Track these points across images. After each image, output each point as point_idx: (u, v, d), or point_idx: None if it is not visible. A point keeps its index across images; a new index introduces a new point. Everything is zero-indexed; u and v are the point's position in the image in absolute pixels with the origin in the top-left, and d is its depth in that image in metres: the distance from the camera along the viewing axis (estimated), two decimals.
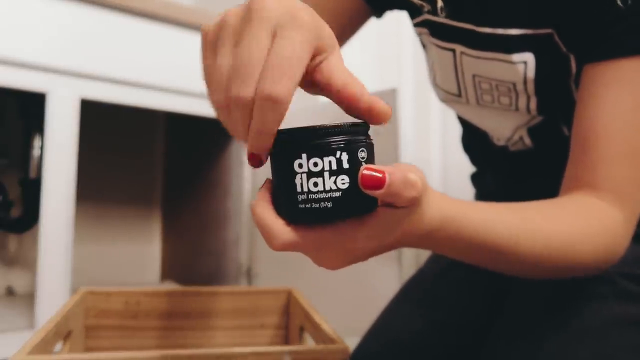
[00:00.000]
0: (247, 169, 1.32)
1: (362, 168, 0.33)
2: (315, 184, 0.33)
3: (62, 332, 0.57)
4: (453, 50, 0.65)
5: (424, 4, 0.63)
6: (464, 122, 0.80)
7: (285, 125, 0.34)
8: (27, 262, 1.41)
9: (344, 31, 0.72)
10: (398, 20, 0.95)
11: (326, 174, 0.33)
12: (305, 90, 0.38)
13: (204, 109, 1.22)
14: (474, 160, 0.85)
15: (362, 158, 0.34)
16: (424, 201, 0.36)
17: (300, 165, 0.33)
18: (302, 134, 0.33)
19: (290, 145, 0.33)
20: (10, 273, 1.40)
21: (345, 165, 0.33)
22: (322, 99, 0.40)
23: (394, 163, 0.34)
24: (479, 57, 0.62)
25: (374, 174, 0.32)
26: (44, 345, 0.50)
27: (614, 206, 0.51)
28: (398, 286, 0.84)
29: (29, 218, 1.25)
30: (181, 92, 1.21)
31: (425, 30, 0.67)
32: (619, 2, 0.51)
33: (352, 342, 0.64)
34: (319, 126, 0.33)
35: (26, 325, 1.08)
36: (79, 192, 1.08)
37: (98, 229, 1.57)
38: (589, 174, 0.52)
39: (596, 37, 0.53)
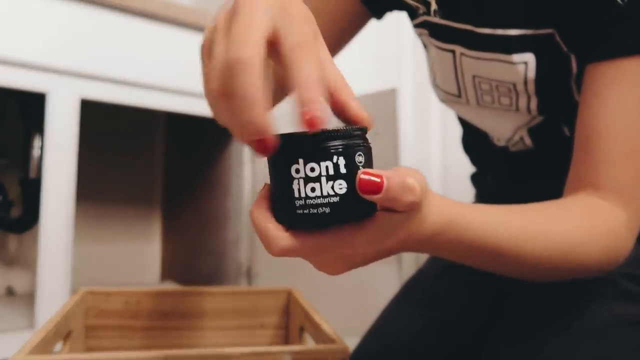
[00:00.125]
0: (247, 168, 1.32)
1: (359, 172, 0.33)
2: (313, 189, 0.33)
3: (62, 332, 0.57)
4: (453, 51, 0.65)
5: (419, 5, 0.63)
6: (464, 123, 0.80)
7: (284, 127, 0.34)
8: (27, 262, 1.41)
9: (344, 34, 0.72)
10: (398, 21, 0.95)
11: (323, 179, 0.33)
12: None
13: (204, 109, 1.22)
14: (474, 160, 0.85)
15: (360, 162, 0.34)
16: (424, 205, 0.36)
17: (297, 171, 0.33)
18: (298, 139, 0.33)
19: (287, 151, 0.33)
20: (10, 273, 1.40)
21: (343, 170, 0.33)
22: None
23: (394, 165, 0.34)
24: (478, 58, 0.62)
25: (372, 178, 0.32)
26: (44, 345, 0.50)
27: (617, 206, 0.51)
28: (398, 286, 0.84)
29: (29, 218, 1.25)
30: (181, 92, 1.21)
31: (425, 31, 0.67)
32: (619, 0, 0.51)
33: (352, 342, 0.64)
34: (316, 130, 0.33)
35: (26, 325, 1.08)
36: (79, 192, 1.08)
37: (98, 229, 1.57)
38: (592, 174, 0.52)
39: (597, 37, 0.53)
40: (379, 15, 0.72)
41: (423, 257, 0.88)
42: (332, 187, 0.33)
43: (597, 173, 0.52)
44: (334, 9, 0.69)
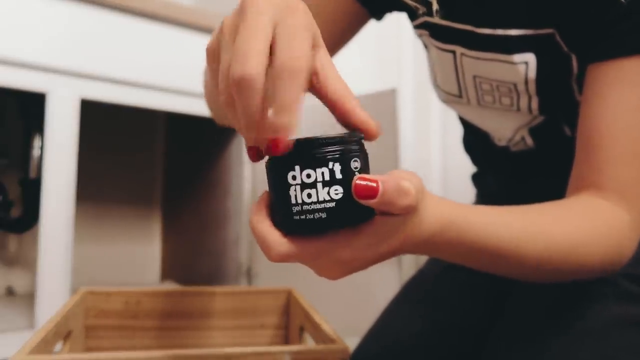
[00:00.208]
0: (247, 169, 1.32)
1: (355, 178, 0.33)
2: (309, 195, 0.33)
3: (62, 332, 0.57)
4: (453, 52, 0.64)
5: (419, 6, 0.63)
6: (465, 123, 0.80)
7: None
8: (27, 262, 1.41)
9: (344, 34, 0.72)
10: (398, 22, 0.95)
11: (319, 185, 0.33)
12: None
13: (204, 109, 1.22)
14: (475, 160, 0.85)
15: (355, 168, 0.34)
16: (421, 207, 0.36)
17: (294, 177, 0.34)
18: (295, 146, 0.34)
19: (284, 157, 0.34)
20: (10, 273, 1.40)
21: (338, 175, 0.34)
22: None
23: (394, 166, 0.34)
24: (479, 58, 0.62)
25: (367, 183, 0.33)
26: (44, 345, 0.50)
27: (620, 207, 0.51)
28: (398, 287, 0.84)
29: (29, 218, 1.25)
30: (181, 92, 1.21)
31: (425, 32, 0.66)
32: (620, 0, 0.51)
33: (352, 342, 0.64)
34: (312, 138, 0.34)
35: (26, 325, 1.08)
36: (79, 192, 1.08)
37: (98, 229, 1.57)
38: (595, 174, 0.52)
39: (597, 37, 0.53)
40: (378, 16, 0.72)
41: (423, 258, 0.88)
42: (328, 193, 0.33)
43: (599, 173, 0.52)
44: (333, 10, 0.69)
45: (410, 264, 1.49)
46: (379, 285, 1.29)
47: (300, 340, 0.70)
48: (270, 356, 0.50)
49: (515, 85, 0.62)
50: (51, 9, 1.05)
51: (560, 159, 0.59)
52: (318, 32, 0.35)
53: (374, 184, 0.33)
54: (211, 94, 0.36)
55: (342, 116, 0.36)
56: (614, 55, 0.52)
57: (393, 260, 1.29)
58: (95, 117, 1.22)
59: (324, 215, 0.34)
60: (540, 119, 0.65)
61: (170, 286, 1.53)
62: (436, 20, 0.63)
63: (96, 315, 0.71)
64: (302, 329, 0.69)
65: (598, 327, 0.54)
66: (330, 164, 0.33)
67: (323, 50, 0.36)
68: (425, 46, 0.73)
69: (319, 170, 0.33)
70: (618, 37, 0.52)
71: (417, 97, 1.75)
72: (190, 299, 0.74)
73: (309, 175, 0.33)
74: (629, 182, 0.51)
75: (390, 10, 0.71)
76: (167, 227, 1.68)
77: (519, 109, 0.64)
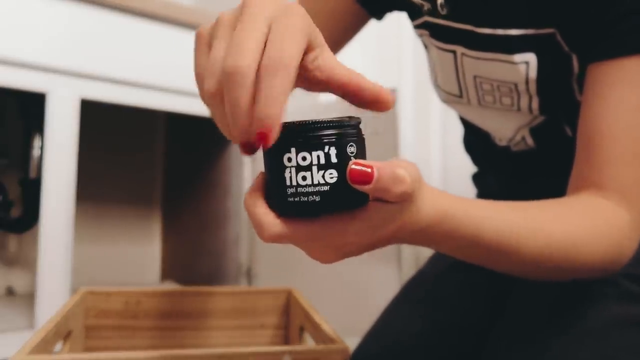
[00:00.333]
0: (247, 169, 1.32)
1: (350, 163, 0.33)
2: (304, 178, 0.34)
3: (62, 332, 0.57)
4: (454, 52, 0.64)
5: (424, 2, 0.63)
6: (465, 123, 0.80)
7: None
8: (27, 262, 1.41)
9: (345, 33, 0.72)
10: (398, 21, 0.95)
11: (314, 168, 0.33)
12: (303, 87, 0.38)
13: (204, 109, 1.22)
14: (475, 160, 0.85)
15: (351, 153, 0.34)
16: (418, 196, 0.36)
17: (290, 159, 0.34)
18: (291, 128, 0.34)
19: (280, 140, 0.33)
20: (10, 273, 1.40)
21: (334, 159, 0.34)
22: (322, 97, 0.40)
23: (393, 152, 0.35)
24: (479, 58, 0.62)
25: (362, 168, 0.33)
26: (44, 345, 0.50)
27: (621, 206, 0.50)
28: (398, 287, 0.84)
29: (29, 218, 1.25)
30: (181, 92, 1.21)
31: (425, 32, 0.66)
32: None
33: (352, 342, 0.64)
34: (309, 121, 0.34)
35: (26, 325, 1.08)
36: (79, 192, 1.08)
37: (98, 229, 1.57)
38: (595, 174, 0.52)
39: (598, 36, 0.53)
40: (378, 16, 0.72)
41: (423, 258, 0.88)
42: (323, 176, 0.33)
43: (600, 173, 0.51)
44: (333, 10, 0.69)
45: (410, 264, 1.49)
46: (379, 285, 1.29)
47: (300, 340, 0.70)
48: (270, 356, 0.50)
49: (515, 85, 0.62)
50: (51, 9, 1.05)
51: (561, 159, 0.59)
52: (317, 33, 0.35)
53: (369, 170, 0.32)
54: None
55: (355, 95, 0.36)
56: (614, 54, 0.52)
57: (393, 259, 1.29)
58: (95, 117, 1.22)
59: (317, 198, 0.34)
60: (540, 119, 0.65)
61: (170, 286, 1.53)
62: (436, 20, 0.63)
63: (96, 315, 0.71)
64: (302, 329, 0.69)
65: (598, 327, 0.54)
66: (326, 148, 0.33)
67: (325, 48, 0.36)
68: (426, 46, 0.73)
69: (314, 153, 0.33)
70: (619, 37, 0.52)
71: (417, 97, 1.75)
72: (190, 299, 0.74)
73: (304, 158, 0.33)
74: (629, 182, 0.51)
75: (390, 9, 0.71)
76: (167, 227, 1.68)
77: (519, 109, 0.64)
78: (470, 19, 0.61)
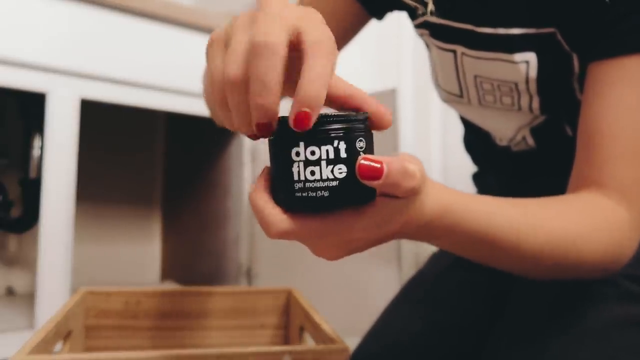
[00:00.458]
0: (247, 169, 1.32)
1: (359, 158, 0.33)
2: (313, 173, 0.33)
3: (62, 332, 0.57)
4: (454, 51, 0.64)
5: (418, 5, 0.63)
6: (465, 122, 0.80)
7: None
8: (27, 262, 1.41)
9: (346, 34, 0.72)
10: (398, 22, 0.95)
11: (323, 163, 0.33)
12: None
13: (204, 109, 1.22)
14: (475, 160, 0.84)
15: (361, 148, 0.34)
16: (423, 191, 0.36)
17: (298, 154, 0.33)
18: None
19: (288, 133, 0.33)
20: (10, 273, 1.40)
21: (343, 154, 0.33)
22: None
23: (393, 152, 0.34)
24: (480, 58, 0.62)
25: (372, 164, 0.32)
26: (44, 345, 0.50)
27: (621, 205, 0.51)
28: (398, 287, 0.84)
29: (29, 218, 1.25)
30: (181, 92, 1.21)
31: (425, 31, 0.66)
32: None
33: (352, 342, 0.64)
34: (318, 114, 0.33)
35: (26, 325, 1.08)
36: (79, 192, 1.08)
37: (98, 229, 1.57)
38: (595, 173, 0.52)
39: (599, 35, 0.53)
40: (379, 15, 0.72)
41: (423, 258, 0.88)
42: (332, 171, 0.33)
43: (600, 172, 0.52)
44: (334, 10, 0.69)
45: (410, 264, 1.49)
46: (379, 285, 1.29)
47: (300, 340, 0.70)
48: (270, 356, 0.50)
49: (516, 84, 0.62)
50: (51, 9, 1.05)
51: (561, 159, 0.59)
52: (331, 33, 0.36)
53: (378, 165, 0.32)
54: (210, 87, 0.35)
55: (357, 108, 0.36)
56: (615, 54, 0.52)
57: (393, 259, 1.29)
58: (95, 117, 1.22)
59: (326, 193, 0.33)
60: (541, 118, 0.65)
61: (170, 286, 1.53)
62: (436, 19, 0.63)
63: (96, 315, 0.71)
64: (302, 329, 0.69)
65: (598, 327, 0.54)
66: (336, 142, 0.33)
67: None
68: (427, 45, 0.73)
69: (323, 148, 0.33)
70: (619, 36, 0.52)
71: (417, 97, 1.75)
72: (190, 299, 0.74)
73: (313, 152, 0.33)
74: (629, 181, 0.51)
75: (390, 9, 0.71)
76: (167, 227, 1.68)
77: (520, 109, 0.64)
78: (471, 18, 0.61)
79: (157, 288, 0.74)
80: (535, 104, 0.63)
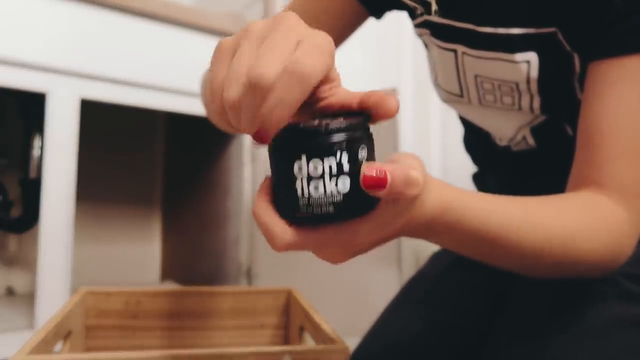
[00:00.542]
0: (247, 169, 1.32)
1: (363, 168, 0.33)
2: (316, 188, 0.33)
3: (62, 332, 0.57)
4: (454, 51, 0.64)
5: (418, 6, 0.63)
6: (465, 122, 0.80)
7: None
8: (27, 262, 1.41)
9: (343, 32, 0.72)
10: (398, 21, 0.95)
11: (327, 177, 0.33)
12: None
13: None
14: (476, 160, 0.84)
15: (363, 157, 0.34)
16: (424, 190, 0.36)
17: (300, 169, 0.33)
18: (300, 134, 0.33)
19: (289, 145, 0.33)
20: (10, 273, 1.40)
21: (346, 167, 0.33)
22: None
23: (393, 152, 0.35)
24: (480, 57, 0.62)
25: (376, 174, 0.32)
26: (44, 345, 0.50)
27: (620, 205, 0.51)
28: (398, 287, 0.84)
29: (29, 218, 1.25)
30: (181, 92, 1.21)
31: (426, 31, 0.66)
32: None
33: (352, 342, 0.64)
34: (317, 125, 0.33)
35: (26, 325, 1.07)
36: (79, 192, 1.08)
37: (98, 229, 1.56)
38: (595, 172, 0.52)
39: (599, 35, 0.53)
40: (378, 15, 0.72)
41: (423, 258, 0.88)
42: (336, 185, 0.33)
43: (599, 171, 0.52)
44: (333, 8, 0.69)
45: (410, 264, 1.49)
46: (379, 285, 1.29)
47: (300, 340, 0.69)
48: (270, 356, 0.50)
49: (517, 84, 0.62)
50: (51, 9, 1.05)
51: (562, 159, 0.59)
52: (334, 67, 0.36)
53: (382, 175, 0.32)
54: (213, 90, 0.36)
55: (362, 104, 0.37)
56: (615, 53, 0.52)
57: (393, 260, 1.29)
58: (95, 117, 1.22)
59: (331, 209, 0.33)
60: (542, 118, 0.65)
61: (170, 286, 1.53)
62: (437, 19, 0.63)
63: (96, 315, 0.71)
64: (302, 329, 0.69)
65: (598, 326, 0.54)
66: (338, 154, 0.33)
67: (339, 81, 0.37)
68: (426, 45, 0.72)
69: (326, 162, 0.33)
70: (619, 36, 0.52)
71: (417, 97, 1.74)
72: (190, 299, 0.74)
73: (315, 167, 0.33)
74: (629, 181, 0.51)
75: (389, 9, 0.71)
76: (167, 227, 1.68)
77: (520, 109, 0.64)
78: (471, 18, 0.61)
79: (157, 288, 0.74)
80: (536, 103, 0.63)
